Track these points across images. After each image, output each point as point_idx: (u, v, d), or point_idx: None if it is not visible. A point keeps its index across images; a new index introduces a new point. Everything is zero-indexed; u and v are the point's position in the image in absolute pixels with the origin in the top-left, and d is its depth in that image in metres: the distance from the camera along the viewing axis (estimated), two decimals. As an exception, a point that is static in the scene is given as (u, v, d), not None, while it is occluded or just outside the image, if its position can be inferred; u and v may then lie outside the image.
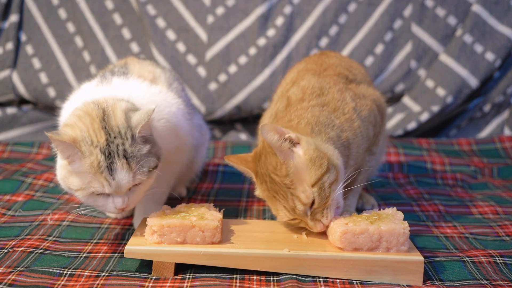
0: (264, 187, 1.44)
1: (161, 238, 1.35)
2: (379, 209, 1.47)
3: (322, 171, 1.37)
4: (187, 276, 1.34)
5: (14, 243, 1.49)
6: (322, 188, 1.37)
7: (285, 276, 1.34)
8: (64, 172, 1.37)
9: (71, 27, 2.67)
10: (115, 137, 1.34)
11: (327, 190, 1.37)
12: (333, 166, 1.39)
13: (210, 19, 2.62)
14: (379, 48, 2.62)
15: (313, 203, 1.37)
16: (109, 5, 2.66)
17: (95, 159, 1.32)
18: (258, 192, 1.49)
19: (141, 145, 1.37)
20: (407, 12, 2.63)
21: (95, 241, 1.53)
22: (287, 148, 1.38)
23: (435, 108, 2.56)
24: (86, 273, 1.35)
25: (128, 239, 1.51)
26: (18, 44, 2.67)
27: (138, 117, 1.37)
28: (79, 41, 2.67)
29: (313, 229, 1.41)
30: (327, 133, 1.46)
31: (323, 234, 1.43)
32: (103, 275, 1.34)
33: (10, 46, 2.64)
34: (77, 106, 1.42)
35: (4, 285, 1.27)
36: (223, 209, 1.47)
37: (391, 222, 1.35)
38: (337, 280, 1.33)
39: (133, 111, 1.40)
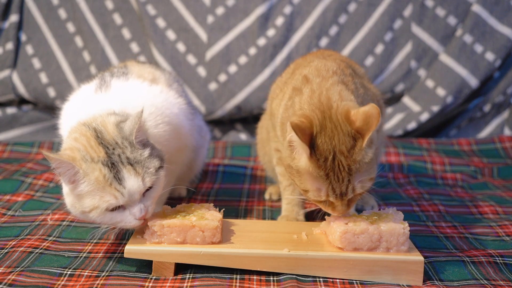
0: (319, 163, 1.30)
1: (161, 238, 1.35)
2: (379, 209, 1.47)
3: (377, 165, 1.36)
4: (187, 276, 1.34)
5: (14, 243, 1.49)
6: (372, 183, 1.35)
7: (285, 276, 1.34)
8: (72, 198, 1.34)
9: (71, 27, 2.67)
10: (113, 149, 1.33)
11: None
12: None
13: (210, 19, 2.63)
14: (379, 48, 2.62)
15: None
16: (109, 5, 2.66)
17: (99, 174, 1.30)
18: (303, 164, 1.32)
19: (141, 150, 1.36)
20: (407, 12, 2.63)
21: (95, 241, 1.53)
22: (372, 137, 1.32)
23: (435, 108, 2.56)
24: (86, 273, 1.35)
25: (128, 239, 1.51)
26: (18, 44, 2.67)
27: (129, 124, 1.36)
28: (79, 41, 2.67)
29: (337, 212, 1.36)
30: None
31: (324, 234, 1.43)
32: (103, 275, 1.34)
33: (10, 46, 2.64)
34: (72, 129, 1.41)
35: (4, 285, 1.27)
36: (223, 209, 1.47)
37: (391, 222, 1.35)
38: (337, 280, 1.33)
39: (124, 122, 1.39)
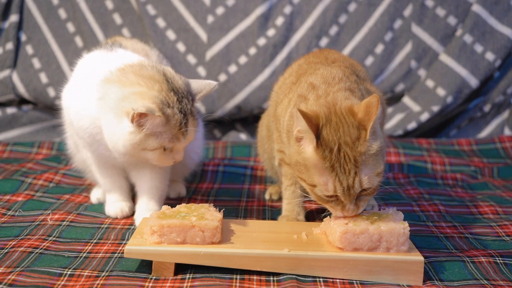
0: (325, 154, 1.32)
1: (161, 238, 1.35)
2: (379, 209, 1.47)
3: (385, 162, 1.37)
4: (187, 276, 1.34)
5: (14, 243, 1.49)
6: (380, 180, 1.36)
7: (285, 276, 1.34)
8: (139, 137, 1.43)
9: (71, 27, 2.67)
10: (182, 97, 1.46)
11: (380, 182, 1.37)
12: None
13: (210, 19, 2.63)
14: (379, 48, 2.62)
15: (364, 189, 1.35)
16: (109, 5, 2.66)
17: (177, 119, 1.43)
18: (309, 155, 1.34)
19: (195, 108, 1.52)
20: (407, 12, 2.63)
21: (95, 241, 1.53)
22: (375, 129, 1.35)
23: (435, 108, 2.56)
24: (86, 273, 1.35)
25: (128, 239, 1.51)
26: (18, 44, 2.67)
27: (198, 86, 1.52)
28: (79, 41, 2.67)
29: (347, 212, 1.36)
30: None
31: (324, 234, 1.43)
32: (103, 275, 1.34)
33: (10, 46, 2.64)
34: (120, 67, 1.49)
35: (4, 285, 1.27)
36: (223, 209, 1.47)
37: (391, 222, 1.35)
38: (337, 280, 1.33)
39: (185, 78, 1.52)
